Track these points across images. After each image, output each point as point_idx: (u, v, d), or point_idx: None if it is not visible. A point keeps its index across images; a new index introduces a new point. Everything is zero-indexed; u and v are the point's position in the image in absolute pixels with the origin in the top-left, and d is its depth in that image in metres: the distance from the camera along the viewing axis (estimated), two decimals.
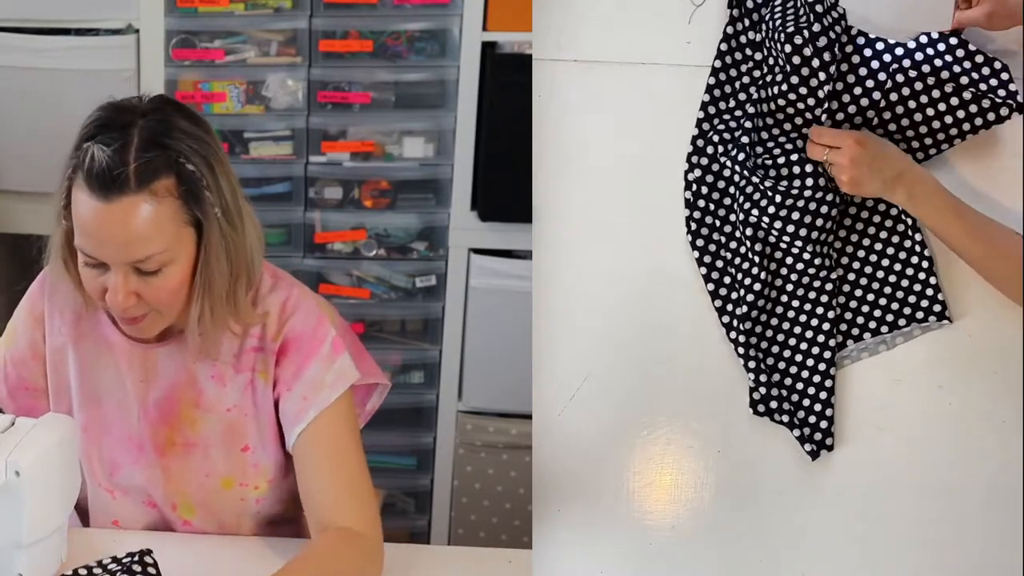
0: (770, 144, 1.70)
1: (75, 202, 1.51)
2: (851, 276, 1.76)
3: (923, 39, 1.68)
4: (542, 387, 1.80)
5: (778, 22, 1.65)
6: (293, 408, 1.65)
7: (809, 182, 1.67)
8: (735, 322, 1.74)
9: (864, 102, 1.69)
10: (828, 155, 1.64)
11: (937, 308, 1.73)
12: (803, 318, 1.75)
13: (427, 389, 2.66)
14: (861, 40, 1.68)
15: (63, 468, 1.52)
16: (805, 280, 1.74)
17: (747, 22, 1.74)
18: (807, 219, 1.68)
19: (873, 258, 1.76)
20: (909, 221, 1.73)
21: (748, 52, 1.75)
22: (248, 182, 2.51)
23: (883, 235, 1.75)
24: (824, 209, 1.68)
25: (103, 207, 1.49)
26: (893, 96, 1.68)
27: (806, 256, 1.72)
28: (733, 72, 1.75)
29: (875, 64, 1.68)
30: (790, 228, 1.68)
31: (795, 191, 1.67)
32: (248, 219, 1.61)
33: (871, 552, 1.76)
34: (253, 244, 1.61)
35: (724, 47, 1.75)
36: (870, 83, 1.67)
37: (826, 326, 1.74)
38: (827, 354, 1.74)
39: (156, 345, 1.67)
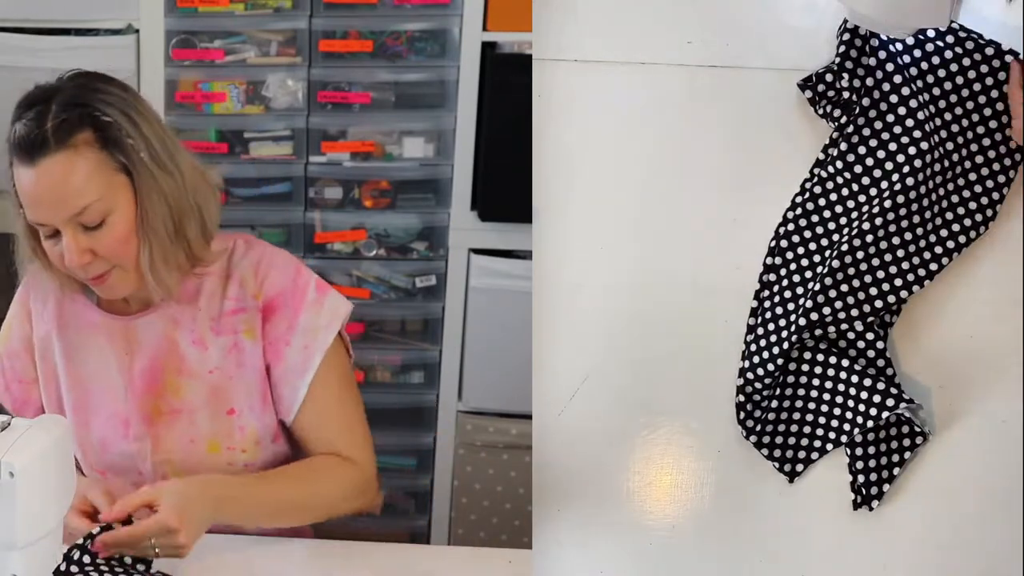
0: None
1: (15, 179, 1.59)
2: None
3: (922, 37, 1.68)
4: (542, 387, 1.80)
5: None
6: (297, 360, 1.70)
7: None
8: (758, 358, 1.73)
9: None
10: None
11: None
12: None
13: (427, 389, 2.65)
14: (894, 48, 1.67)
15: (58, 469, 1.52)
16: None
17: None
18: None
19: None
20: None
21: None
22: (248, 182, 2.52)
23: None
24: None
25: (32, 171, 1.56)
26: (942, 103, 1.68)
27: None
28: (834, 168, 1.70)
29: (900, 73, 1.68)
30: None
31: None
32: (187, 165, 1.66)
33: (871, 552, 1.76)
34: (197, 187, 1.66)
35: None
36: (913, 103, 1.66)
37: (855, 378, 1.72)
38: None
39: (135, 316, 1.72)
